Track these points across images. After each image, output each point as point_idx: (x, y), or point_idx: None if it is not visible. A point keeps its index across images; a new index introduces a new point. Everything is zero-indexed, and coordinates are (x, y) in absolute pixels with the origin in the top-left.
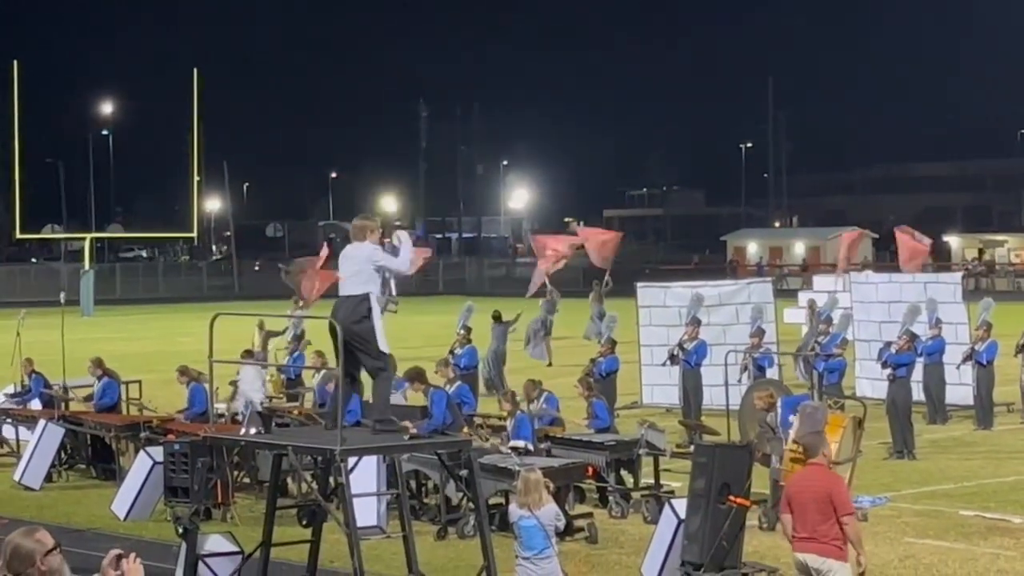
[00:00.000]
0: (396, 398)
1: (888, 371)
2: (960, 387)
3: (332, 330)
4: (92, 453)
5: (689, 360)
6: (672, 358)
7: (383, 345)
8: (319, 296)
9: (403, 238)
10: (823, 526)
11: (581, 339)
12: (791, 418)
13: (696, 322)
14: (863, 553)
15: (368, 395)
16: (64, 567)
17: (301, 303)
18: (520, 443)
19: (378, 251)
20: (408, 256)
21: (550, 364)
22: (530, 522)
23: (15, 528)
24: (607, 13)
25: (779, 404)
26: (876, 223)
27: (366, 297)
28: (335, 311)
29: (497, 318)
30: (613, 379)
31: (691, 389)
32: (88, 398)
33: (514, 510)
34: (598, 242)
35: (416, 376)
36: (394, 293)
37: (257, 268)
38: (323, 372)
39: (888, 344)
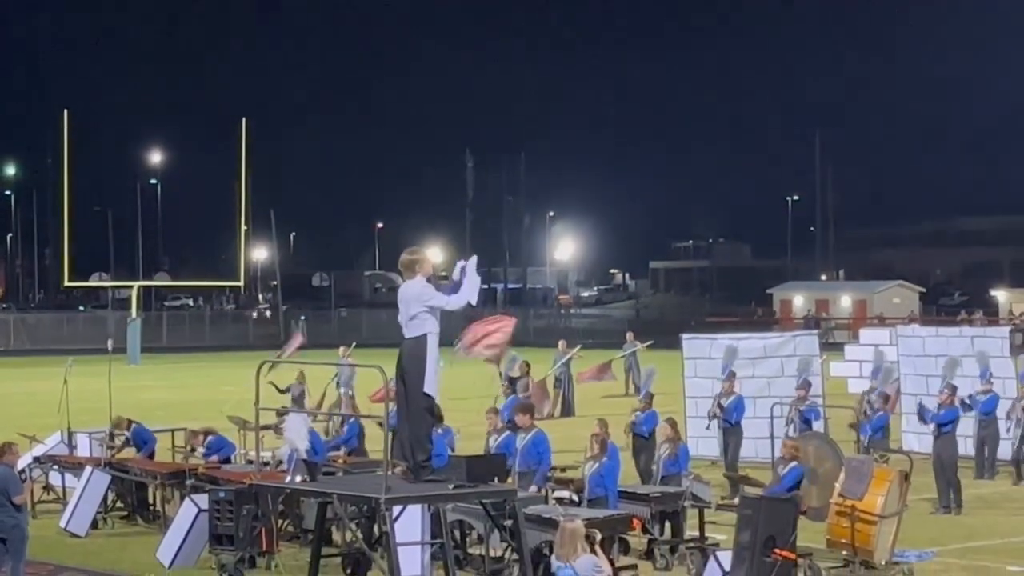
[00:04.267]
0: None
1: (933, 427)
2: (1004, 442)
3: (400, 372)
4: (137, 500)
5: (729, 419)
6: (713, 418)
7: (429, 387)
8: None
9: (468, 270)
10: None
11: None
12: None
13: (732, 376)
14: None
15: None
16: None
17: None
18: (565, 494)
19: (427, 289)
20: (469, 292)
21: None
22: (566, 572)
23: (60, 575)
24: (654, 66)
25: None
26: (923, 276)
27: (423, 338)
28: (400, 353)
29: None
30: (654, 434)
31: (732, 446)
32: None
33: (553, 561)
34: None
35: (528, 409)
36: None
37: (303, 318)
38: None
39: (923, 407)
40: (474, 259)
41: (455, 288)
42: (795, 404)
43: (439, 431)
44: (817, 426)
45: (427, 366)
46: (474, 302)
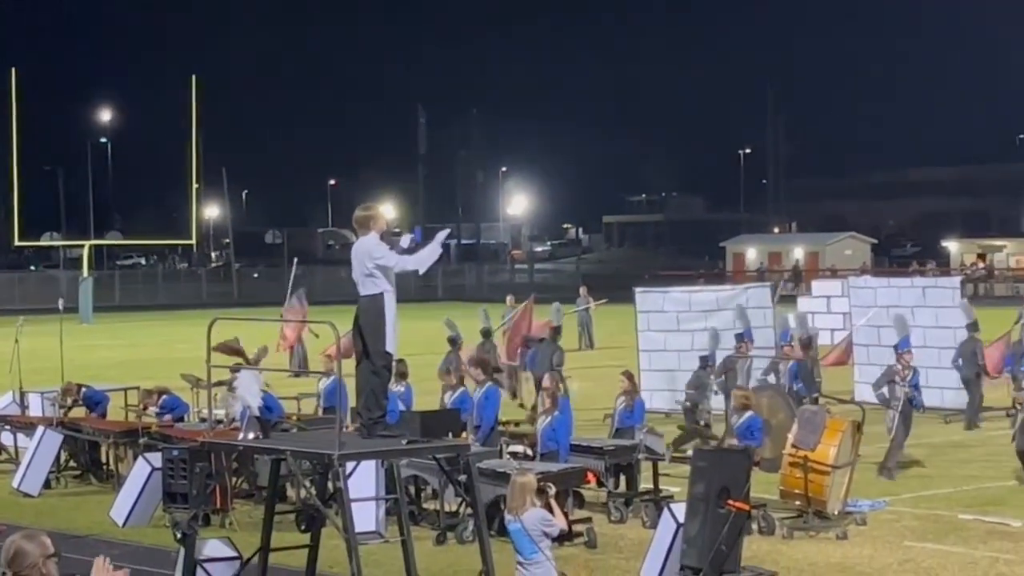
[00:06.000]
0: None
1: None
2: (962, 391)
3: (358, 330)
4: (90, 459)
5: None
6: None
7: (388, 345)
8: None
9: (436, 239)
10: None
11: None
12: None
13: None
14: None
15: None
16: None
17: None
18: (520, 449)
19: (380, 247)
20: (424, 260)
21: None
22: (515, 527)
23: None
24: (605, 20)
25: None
26: (875, 228)
27: (379, 296)
28: (356, 311)
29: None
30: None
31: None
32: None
33: (506, 515)
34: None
35: (481, 364)
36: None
37: (256, 276)
38: (332, 377)
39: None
40: (446, 232)
41: (408, 250)
42: (778, 360)
43: (401, 388)
44: (769, 379)
45: (385, 323)
46: (422, 272)
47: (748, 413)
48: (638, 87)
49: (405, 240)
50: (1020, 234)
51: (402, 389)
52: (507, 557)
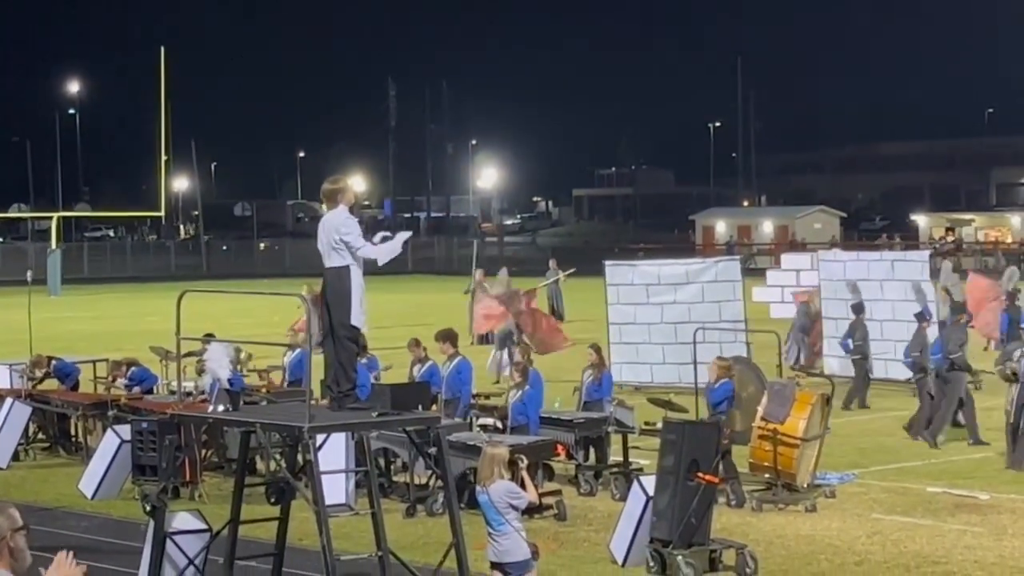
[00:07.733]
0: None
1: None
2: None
3: (325, 303)
4: (59, 432)
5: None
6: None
7: (355, 318)
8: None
9: (398, 238)
10: None
11: None
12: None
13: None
14: None
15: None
16: (27, 549)
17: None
18: (488, 421)
19: (348, 223)
20: (385, 253)
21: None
22: (483, 498)
23: None
24: None
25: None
26: (844, 202)
27: (344, 269)
28: (323, 285)
29: None
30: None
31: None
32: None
33: (476, 486)
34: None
35: (448, 337)
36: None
37: (225, 248)
38: (297, 350)
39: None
40: (408, 234)
41: (377, 240)
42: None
43: (364, 361)
44: (737, 350)
45: (351, 296)
46: (381, 263)
47: (722, 380)
48: (608, 60)
49: (377, 238)
50: (988, 208)
51: (365, 361)
52: (477, 529)
